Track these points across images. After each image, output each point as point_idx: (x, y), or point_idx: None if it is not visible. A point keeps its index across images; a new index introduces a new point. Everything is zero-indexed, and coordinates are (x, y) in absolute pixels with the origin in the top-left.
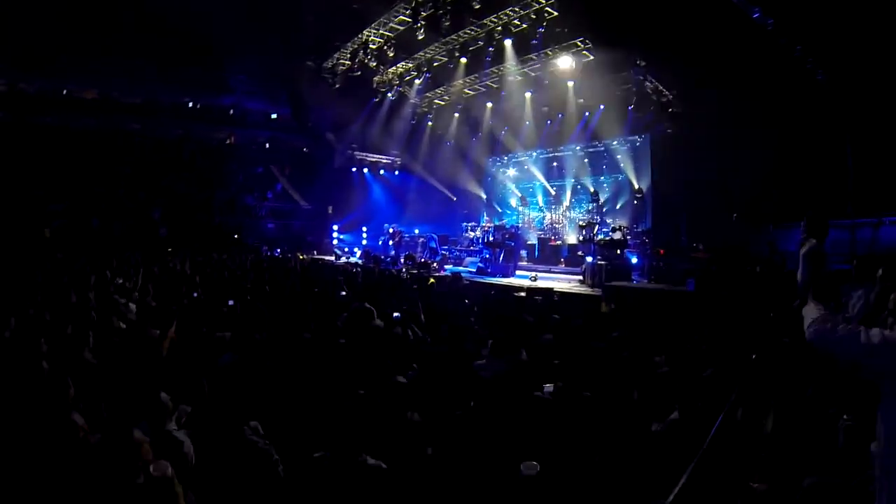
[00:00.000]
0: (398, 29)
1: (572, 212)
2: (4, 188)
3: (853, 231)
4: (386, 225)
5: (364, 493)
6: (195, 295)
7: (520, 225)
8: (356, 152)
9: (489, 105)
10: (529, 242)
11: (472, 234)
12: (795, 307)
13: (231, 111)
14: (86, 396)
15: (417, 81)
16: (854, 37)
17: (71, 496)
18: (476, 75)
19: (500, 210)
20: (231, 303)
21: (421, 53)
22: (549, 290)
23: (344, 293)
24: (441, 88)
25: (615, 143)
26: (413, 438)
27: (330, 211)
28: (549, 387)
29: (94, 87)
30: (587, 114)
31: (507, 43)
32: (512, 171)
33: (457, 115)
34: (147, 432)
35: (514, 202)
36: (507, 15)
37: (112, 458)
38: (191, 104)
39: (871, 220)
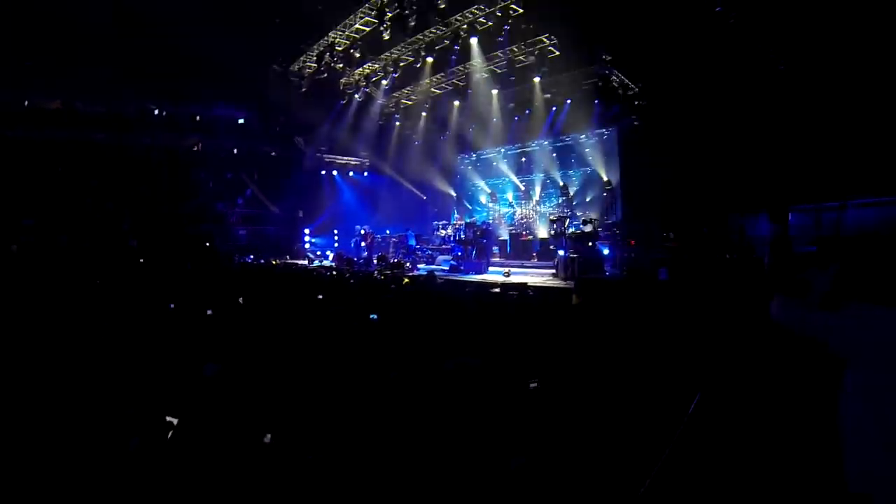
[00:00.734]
0: (364, 30)
1: (542, 206)
2: None
3: (818, 214)
4: (357, 226)
5: (356, 491)
6: (171, 306)
7: (491, 221)
8: (325, 155)
9: (456, 103)
10: (501, 238)
11: (443, 232)
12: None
13: (198, 118)
14: (75, 413)
15: (384, 82)
16: (812, 25)
17: None
18: (443, 74)
19: (470, 207)
20: (210, 312)
21: (387, 54)
22: (524, 285)
23: (321, 297)
24: (408, 88)
25: (583, 136)
26: (399, 436)
27: (300, 215)
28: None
29: (57, 97)
30: (554, 109)
31: (473, 41)
32: (481, 168)
33: (424, 114)
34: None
35: (483, 199)
36: (472, 13)
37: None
38: (156, 112)
39: (835, 204)
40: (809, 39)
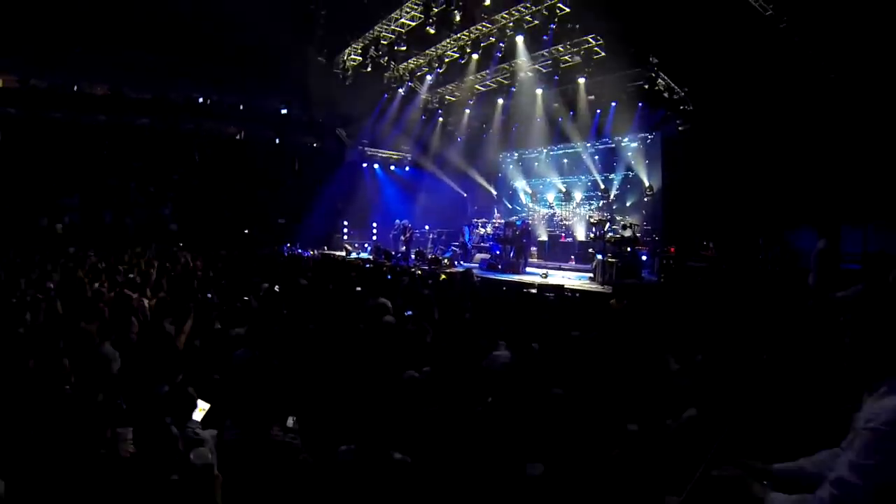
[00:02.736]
0: (409, 25)
1: (583, 209)
2: (16, 183)
3: (865, 232)
4: (397, 221)
5: (388, 487)
6: (209, 294)
7: (530, 221)
8: (367, 148)
9: (500, 101)
10: (540, 239)
11: (482, 230)
12: (810, 306)
13: (241, 106)
14: (104, 392)
15: (429, 77)
16: (867, 39)
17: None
18: (487, 71)
19: (510, 206)
20: (246, 299)
21: (432, 49)
22: (561, 287)
23: (359, 289)
24: (452, 84)
25: (626, 140)
26: (426, 434)
27: (340, 206)
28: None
29: (104, 82)
30: (599, 111)
31: (519, 39)
32: (522, 168)
33: (468, 111)
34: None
35: (524, 198)
36: (518, 11)
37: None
38: (201, 99)
39: (884, 222)
40: (862, 48)
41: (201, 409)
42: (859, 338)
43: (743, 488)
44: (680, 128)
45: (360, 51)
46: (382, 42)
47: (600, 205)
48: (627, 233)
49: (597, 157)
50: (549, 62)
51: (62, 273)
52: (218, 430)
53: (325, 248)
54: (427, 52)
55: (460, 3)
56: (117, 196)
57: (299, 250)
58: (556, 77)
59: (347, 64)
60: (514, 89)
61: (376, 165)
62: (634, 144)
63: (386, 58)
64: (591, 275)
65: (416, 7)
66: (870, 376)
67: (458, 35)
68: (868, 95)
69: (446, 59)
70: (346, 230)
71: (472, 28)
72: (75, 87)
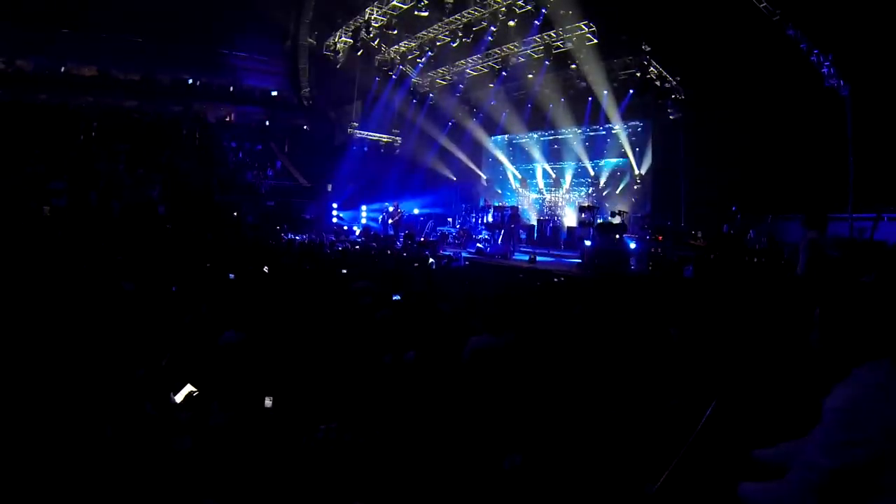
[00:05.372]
0: (401, 7)
1: (572, 194)
2: (2, 166)
3: (852, 224)
4: (386, 204)
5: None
6: (195, 271)
7: (519, 206)
8: (357, 130)
9: (491, 86)
10: (529, 224)
11: (472, 215)
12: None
13: (231, 88)
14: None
15: (420, 61)
16: (859, 35)
17: None
18: (478, 55)
19: (499, 191)
20: (232, 276)
21: (424, 33)
22: (548, 273)
23: (345, 271)
24: (443, 68)
25: (617, 126)
26: (412, 418)
27: (329, 189)
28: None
29: (92, 64)
30: (590, 97)
31: (511, 24)
32: (512, 153)
33: (458, 95)
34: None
35: (513, 183)
36: None
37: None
38: (190, 81)
39: (871, 215)
40: (855, 45)
41: (184, 392)
42: (832, 330)
43: (718, 476)
44: (671, 116)
45: (350, 33)
46: (373, 25)
47: (590, 191)
48: (616, 220)
49: (587, 144)
50: (541, 48)
51: None
52: (202, 415)
53: (315, 231)
54: (418, 35)
55: None
56: (104, 179)
57: (291, 235)
58: (546, 62)
59: (338, 46)
60: (504, 74)
61: (366, 148)
62: (625, 131)
63: (377, 41)
64: (580, 261)
65: None
66: (841, 366)
67: (450, 19)
68: (862, 90)
69: (438, 43)
70: (335, 213)
71: (463, 12)
72: (62, 69)
